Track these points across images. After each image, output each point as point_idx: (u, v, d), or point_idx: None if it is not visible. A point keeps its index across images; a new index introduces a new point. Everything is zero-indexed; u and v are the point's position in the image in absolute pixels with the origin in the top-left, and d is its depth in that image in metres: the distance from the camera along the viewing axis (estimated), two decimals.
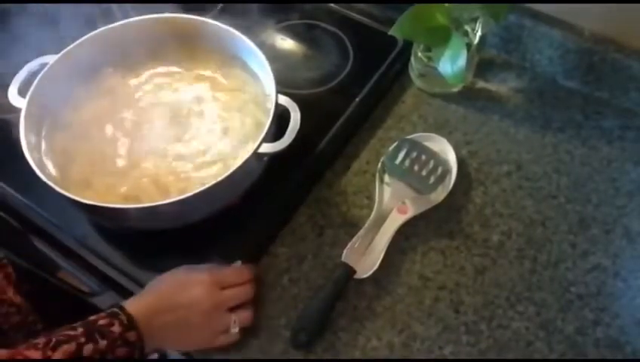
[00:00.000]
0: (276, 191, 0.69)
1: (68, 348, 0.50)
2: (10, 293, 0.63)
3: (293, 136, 0.63)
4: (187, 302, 0.58)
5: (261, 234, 0.68)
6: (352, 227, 0.68)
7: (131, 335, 0.53)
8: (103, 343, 0.51)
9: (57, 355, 0.49)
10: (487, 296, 0.64)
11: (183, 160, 0.66)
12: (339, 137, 0.74)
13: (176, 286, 0.59)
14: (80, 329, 0.52)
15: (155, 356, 0.86)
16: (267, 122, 0.63)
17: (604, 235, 0.68)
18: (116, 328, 0.53)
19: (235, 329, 0.60)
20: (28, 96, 0.64)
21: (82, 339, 0.51)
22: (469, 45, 0.72)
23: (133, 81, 0.73)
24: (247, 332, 0.62)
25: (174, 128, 0.68)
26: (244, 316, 0.61)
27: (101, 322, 0.53)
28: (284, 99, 0.66)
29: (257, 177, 0.67)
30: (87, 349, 0.50)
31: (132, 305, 0.56)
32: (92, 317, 0.53)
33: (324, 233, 0.69)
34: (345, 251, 0.65)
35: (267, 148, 0.62)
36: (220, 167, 0.65)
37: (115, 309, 0.54)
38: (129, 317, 0.54)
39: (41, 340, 0.50)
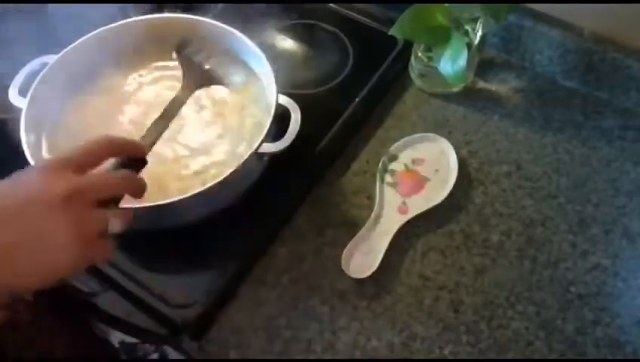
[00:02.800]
0: (276, 191, 0.69)
1: None
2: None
3: (293, 136, 0.63)
4: (24, 200, 0.39)
5: (261, 234, 0.68)
6: (352, 227, 0.68)
7: None
8: None
9: None
10: (487, 296, 0.64)
11: (183, 160, 0.66)
12: (339, 137, 0.74)
13: (5, 188, 0.41)
14: None
15: (155, 356, 0.86)
16: (267, 122, 0.63)
17: (604, 235, 0.68)
18: None
19: (116, 228, 0.44)
20: (28, 96, 0.64)
21: None
22: (469, 45, 0.72)
23: (133, 81, 0.73)
24: (247, 331, 0.62)
25: (174, 128, 0.68)
26: (124, 213, 0.45)
27: None
28: (284, 99, 0.66)
29: (257, 177, 0.67)
30: None
31: None
32: None
33: (324, 233, 0.69)
34: (345, 251, 0.65)
35: (267, 148, 0.63)
36: (220, 167, 0.65)
37: None
38: None
39: None
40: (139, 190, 0.47)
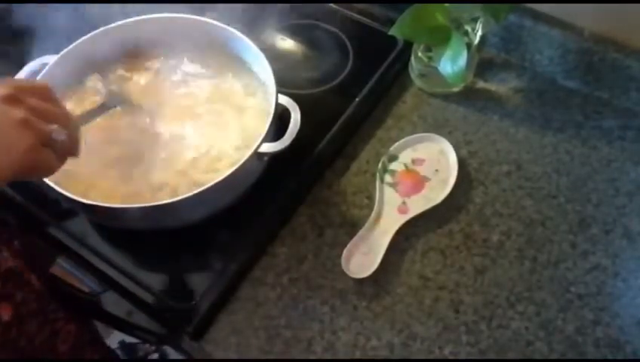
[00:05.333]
0: (276, 191, 0.69)
1: None
2: (33, 279, 0.62)
3: (293, 135, 0.63)
4: None
5: (261, 234, 0.68)
6: (352, 227, 0.68)
7: None
8: None
9: None
10: (487, 296, 0.64)
11: (184, 160, 0.66)
12: (339, 137, 0.74)
13: None
14: None
15: (155, 356, 0.86)
16: (267, 122, 0.63)
17: (604, 235, 0.68)
18: None
19: (61, 136, 0.48)
20: None
21: None
22: (469, 45, 0.72)
23: (133, 81, 0.73)
24: (247, 331, 0.62)
25: (174, 128, 0.68)
26: (64, 131, 0.48)
27: None
28: (284, 99, 0.66)
29: (257, 177, 0.67)
30: None
31: None
32: None
33: (324, 233, 0.69)
34: (345, 251, 0.65)
35: (267, 147, 0.63)
36: (220, 167, 0.65)
37: None
38: None
39: None
40: (75, 134, 0.50)
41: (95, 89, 0.71)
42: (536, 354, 0.61)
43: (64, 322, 0.64)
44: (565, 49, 0.78)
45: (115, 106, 0.67)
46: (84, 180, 0.64)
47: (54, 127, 0.47)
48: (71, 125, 0.50)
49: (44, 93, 0.49)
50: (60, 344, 0.63)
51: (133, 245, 0.67)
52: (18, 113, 0.45)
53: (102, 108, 0.65)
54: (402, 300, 0.64)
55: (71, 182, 0.63)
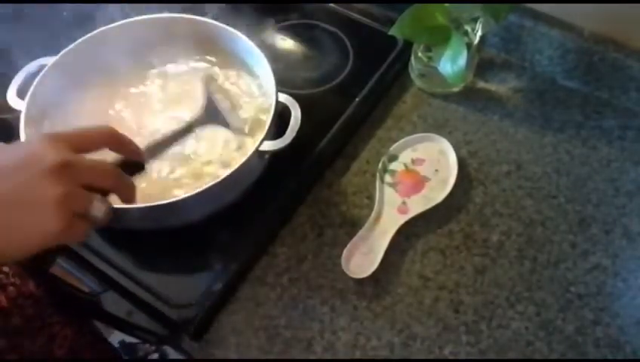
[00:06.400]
0: (276, 190, 0.69)
1: None
2: (30, 285, 0.62)
3: (294, 133, 0.63)
4: (20, 161, 0.41)
5: (261, 234, 0.68)
6: (352, 227, 0.68)
7: None
8: None
9: None
10: (487, 296, 0.64)
11: (184, 159, 0.66)
12: (339, 137, 0.74)
13: (8, 149, 0.44)
14: None
15: (155, 356, 0.86)
16: (268, 120, 0.63)
17: (604, 235, 0.68)
18: None
19: (99, 213, 0.43)
20: (27, 98, 0.64)
21: None
22: (469, 45, 0.72)
23: (132, 81, 0.73)
24: (247, 331, 0.62)
25: (174, 128, 0.68)
26: (105, 204, 0.44)
27: None
28: (284, 97, 0.66)
29: (258, 177, 0.67)
30: None
31: None
32: None
33: (324, 233, 0.69)
34: (345, 251, 0.65)
35: (268, 145, 0.63)
36: (221, 167, 0.65)
37: None
38: None
39: None
40: (127, 191, 0.47)
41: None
42: (536, 354, 0.61)
43: (60, 327, 0.64)
44: (565, 49, 0.78)
45: (206, 124, 0.61)
46: None
47: (95, 202, 0.43)
48: (123, 184, 0.46)
49: (106, 141, 0.46)
50: (56, 349, 0.63)
51: (133, 245, 0.67)
52: (57, 189, 0.40)
53: (191, 126, 0.59)
54: (402, 300, 0.64)
55: None
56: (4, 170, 0.41)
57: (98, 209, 0.43)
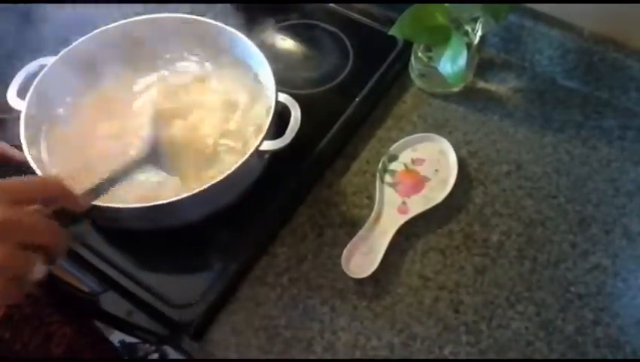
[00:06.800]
0: (276, 190, 0.69)
1: None
2: None
3: (294, 133, 0.63)
4: None
5: (261, 234, 0.68)
6: (352, 227, 0.68)
7: None
8: None
9: None
10: (487, 296, 0.64)
11: (184, 158, 0.66)
12: (339, 137, 0.74)
13: None
14: None
15: (155, 356, 0.86)
16: (268, 120, 0.63)
17: (604, 235, 0.68)
18: None
19: (39, 275, 0.41)
20: (27, 98, 0.64)
21: None
22: (469, 45, 0.72)
23: (132, 81, 0.73)
24: (247, 331, 0.62)
25: (175, 127, 0.68)
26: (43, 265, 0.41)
27: None
28: (284, 97, 0.66)
29: (258, 176, 0.67)
30: None
31: None
32: None
33: (324, 233, 0.69)
34: (345, 251, 0.65)
35: (268, 145, 0.63)
36: (221, 166, 0.65)
37: None
38: None
39: None
40: (57, 250, 0.43)
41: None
42: (536, 354, 0.61)
43: (59, 325, 0.64)
44: (565, 49, 0.78)
45: (144, 166, 0.59)
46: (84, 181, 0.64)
47: (32, 267, 0.40)
48: (59, 241, 0.42)
49: (43, 192, 0.43)
50: (53, 347, 0.63)
51: (134, 245, 0.67)
52: None
53: (131, 167, 0.57)
54: (402, 300, 0.64)
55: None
56: None
57: (39, 271, 0.40)
